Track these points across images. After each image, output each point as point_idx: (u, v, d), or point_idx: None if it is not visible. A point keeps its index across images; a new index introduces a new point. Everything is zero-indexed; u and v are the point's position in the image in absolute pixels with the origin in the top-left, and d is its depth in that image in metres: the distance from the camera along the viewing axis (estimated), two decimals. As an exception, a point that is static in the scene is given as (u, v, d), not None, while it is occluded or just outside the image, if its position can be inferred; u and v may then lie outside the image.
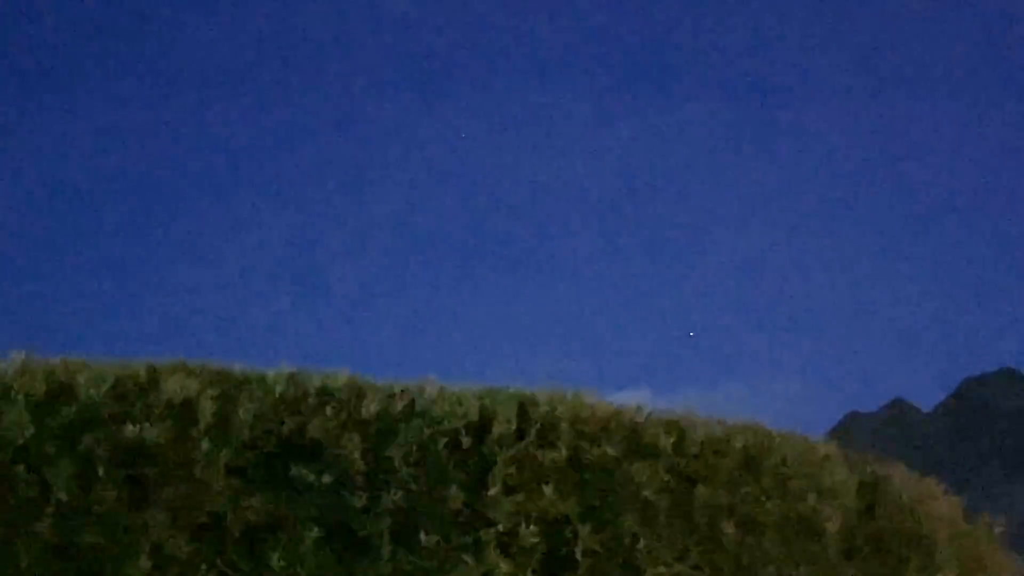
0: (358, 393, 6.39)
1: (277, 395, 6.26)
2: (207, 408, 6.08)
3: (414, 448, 6.23)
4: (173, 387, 6.12)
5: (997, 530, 8.10)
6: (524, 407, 6.48)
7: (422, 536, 6.09)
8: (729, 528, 6.58)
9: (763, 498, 6.70)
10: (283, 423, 6.19)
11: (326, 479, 6.10)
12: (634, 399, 6.92)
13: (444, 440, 6.28)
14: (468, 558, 6.11)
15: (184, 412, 6.08)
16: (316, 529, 6.01)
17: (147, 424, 6.01)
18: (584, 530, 6.28)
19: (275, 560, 5.96)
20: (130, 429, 6.00)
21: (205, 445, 6.02)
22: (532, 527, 6.19)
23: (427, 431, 6.28)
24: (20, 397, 6.04)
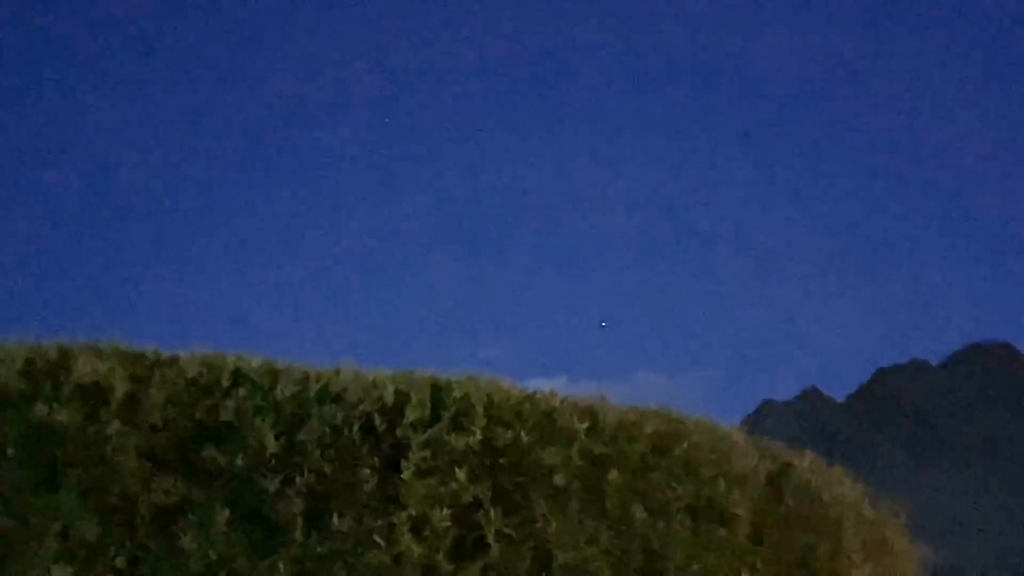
0: (272, 376, 6.37)
1: (190, 377, 6.22)
2: (118, 390, 6.03)
3: (328, 431, 6.22)
4: (84, 368, 6.07)
5: (901, 517, 8.25)
6: (438, 391, 6.49)
7: (335, 519, 6.10)
8: (639, 512, 6.63)
9: (673, 483, 6.76)
10: (196, 406, 6.16)
11: (239, 462, 6.08)
12: (551, 387, 6.95)
13: (358, 424, 6.28)
14: (380, 541, 6.12)
15: (95, 394, 6.03)
16: (228, 512, 5.99)
17: (57, 405, 5.96)
18: (496, 514, 6.30)
19: (186, 542, 5.93)
20: (40, 410, 5.95)
21: (116, 427, 5.97)
22: (444, 511, 6.20)
23: (341, 415, 6.27)
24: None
